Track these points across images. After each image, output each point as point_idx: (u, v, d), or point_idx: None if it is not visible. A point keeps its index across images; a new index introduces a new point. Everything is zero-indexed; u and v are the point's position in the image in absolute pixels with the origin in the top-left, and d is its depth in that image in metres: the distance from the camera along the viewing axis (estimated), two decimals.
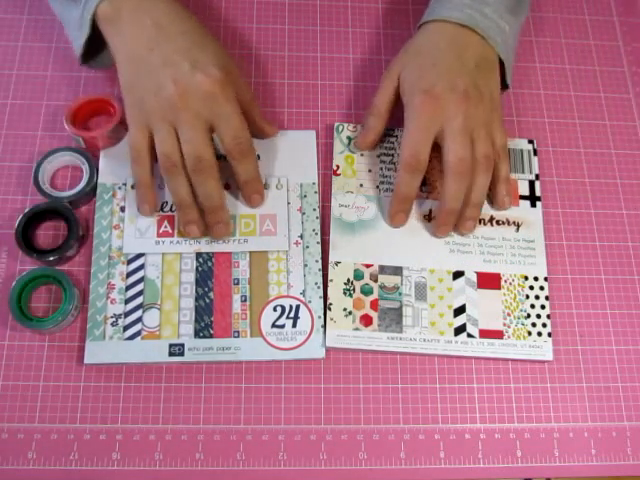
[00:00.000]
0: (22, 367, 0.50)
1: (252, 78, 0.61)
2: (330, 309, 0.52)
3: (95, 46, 0.55)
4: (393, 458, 0.50)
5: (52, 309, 0.52)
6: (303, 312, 0.52)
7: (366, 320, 0.52)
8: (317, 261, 0.54)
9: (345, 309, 0.52)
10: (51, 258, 0.51)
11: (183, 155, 0.49)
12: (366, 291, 0.53)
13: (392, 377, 0.52)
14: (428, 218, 0.56)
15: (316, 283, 0.53)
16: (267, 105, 0.60)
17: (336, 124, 0.59)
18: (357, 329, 0.52)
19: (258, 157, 0.57)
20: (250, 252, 0.54)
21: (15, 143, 0.57)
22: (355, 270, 0.54)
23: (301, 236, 0.54)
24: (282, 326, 0.51)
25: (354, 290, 0.53)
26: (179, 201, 0.51)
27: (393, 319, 0.52)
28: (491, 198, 0.56)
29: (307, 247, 0.54)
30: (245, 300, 0.52)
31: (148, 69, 0.49)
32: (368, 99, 0.61)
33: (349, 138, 0.59)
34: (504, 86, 0.58)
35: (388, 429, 0.50)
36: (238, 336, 0.51)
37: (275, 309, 0.52)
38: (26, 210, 0.52)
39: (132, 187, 0.55)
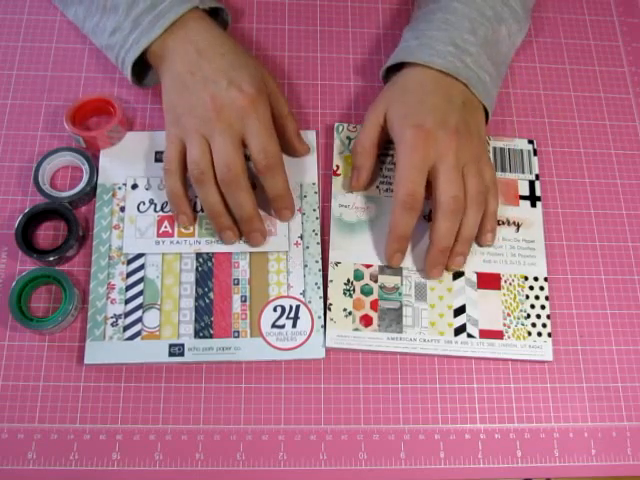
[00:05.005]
0: (22, 367, 0.50)
1: None
2: (330, 309, 0.52)
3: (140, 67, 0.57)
4: (393, 458, 0.50)
5: (52, 309, 0.52)
6: (303, 312, 0.52)
7: (366, 320, 0.52)
8: (317, 261, 0.54)
9: (345, 309, 0.52)
10: (51, 258, 0.51)
11: (214, 166, 0.50)
12: (366, 291, 0.53)
13: (392, 377, 0.52)
14: (428, 218, 0.56)
15: (316, 283, 0.53)
16: None
17: (336, 124, 0.59)
18: (357, 329, 0.52)
19: None
20: (250, 252, 0.54)
21: (15, 143, 0.57)
22: (355, 270, 0.54)
23: (301, 237, 0.54)
24: (282, 326, 0.51)
25: (354, 290, 0.53)
26: (210, 210, 0.51)
27: (393, 319, 0.52)
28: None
29: (307, 247, 0.54)
30: (245, 300, 0.52)
31: (189, 90, 0.51)
32: (368, 99, 0.61)
33: (349, 138, 0.59)
34: None
35: (388, 429, 0.50)
36: (238, 336, 0.51)
37: (275, 309, 0.52)
38: (26, 210, 0.52)
39: (132, 187, 0.55)
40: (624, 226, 0.58)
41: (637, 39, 0.67)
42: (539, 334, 0.53)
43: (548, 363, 0.53)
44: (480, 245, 0.55)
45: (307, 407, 0.51)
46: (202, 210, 0.54)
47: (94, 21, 0.56)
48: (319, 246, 0.54)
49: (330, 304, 0.52)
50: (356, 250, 0.54)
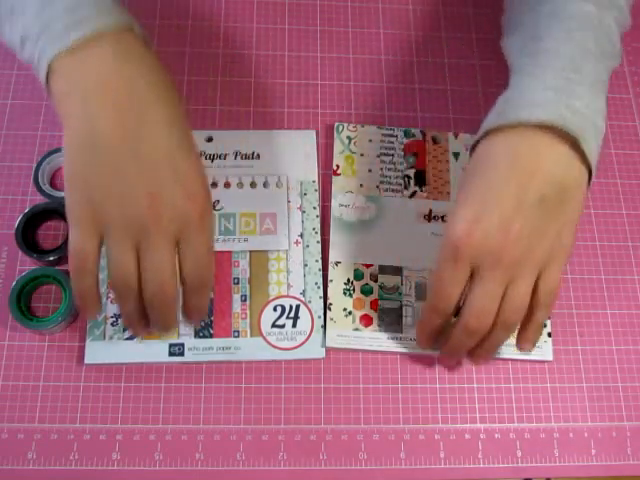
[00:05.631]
0: (22, 367, 0.50)
1: (252, 78, 0.61)
2: (330, 309, 0.52)
3: None
4: (393, 458, 0.50)
5: (52, 309, 0.52)
6: (303, 312, 0.52)
7: (366, 320, 0.52)
8: (317, 261, 0.54)
9: (345, 309, 0.52)
10: (51, 258, 0.51)
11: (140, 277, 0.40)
12: (366, 291, 0.53)
13: (392, 377, 0.52)
14: (428, 218, 0.56)
15: (316, 283, 0.53)
16: (267, 105, 0.60)
17: (336, 124, 0.59)
18: (357, 329, 0.52)
19: (258, 157, 0.57)
20: (250, 252, 0.54)
21: (15, 143, 0.57)
22: (355, 270, 0.54)
23: (301, 235, 0.54)
24: (282, 326, 0.51)
25: (354, 290, 0.53)
26: (127, 317, 0.43)
27: (393, 319, 0.52)
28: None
29: (307, 246, 0.54)
30: (245, 300, 0.52)
31: (117, 169, 0.38)
32: (368, 99, 0.61)
33: (349, 138, 0.59)
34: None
35: (388, 429, 0.50)
36: (238, 336, 0.51)
37: (275, 309, 0.52)
38: (26, 210, 0.52)
39: None
40: (624, 226, 0.58)
41: (637, 39, 0.67)
42: None
43: (548, 363, 0.53)
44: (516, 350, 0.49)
45: (307, 407, 0.51)
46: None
47: (5, 32, 0.43)
48: (319, 245, 0.54)
49: (330, 304, 0.52)
50: (356, 250, 0.54)
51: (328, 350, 0.52)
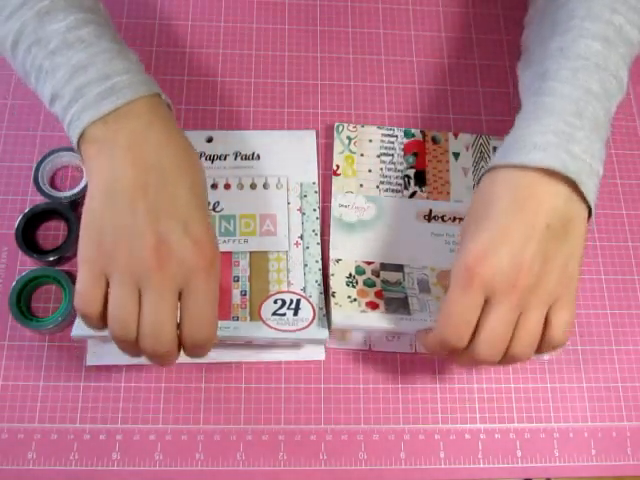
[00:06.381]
0: (22, 367, 0.50)
1: (252, 78, 0.61)
2: (334, 296, 0.51)
3: None
4: (393, 458, 0.50)
5: (52, 309, 0.52)
6: (304, 304, 0.51)
7: (372, 305, 0.51)
8: (317, 261, 0.54)
9: (349, 296, 0.51)
10: (51, 258, 0.51)
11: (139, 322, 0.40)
12: (369, 284, 0.52)
13: (392, 377, 0.52)
14: (428, 218, 0.56)
15: (316, 281, 0.53)
16: (267, 105, 0.60)
17: (336, 124, 0.59)
18: (364, 311, 0.51)
19: (258, 157, 0.57)
20: (250, 252, 0.54)
21: (15, 143, 0.57)
22: (356, 267, 0.53)
23: (301, 237, 0.54)
24: (283, 314, 0.50)
25: (357, 283, 0.52)
26: (124, 350, 0.42)
27: (400, 305, 0.51)
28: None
29: (307, 247, 0.54)
30: (245, 294, 0.52)
31: (129, 211, 0.39)
32: (368, 99, 0.61)
33: (349, 138, 0.59)
34: None
35: (388, 429, 0.50)
36: (237, 320, 0.51)
37: (275, 302, 0.51)
38: (26, 210, 0.52)
39: None
40: (624, 226, 0.58)
41: None
42: None
43: (548, 363, 0.53)
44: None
45: (307, 407, 0.51)
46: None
47: (32, 84, 0.45)
48: (319, 246, 0.54)
49: (334, 292, 0.51)
50: (357, 249, 0.54)
51: (328, 350, 0.52)
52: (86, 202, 0.41)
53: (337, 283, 0.52)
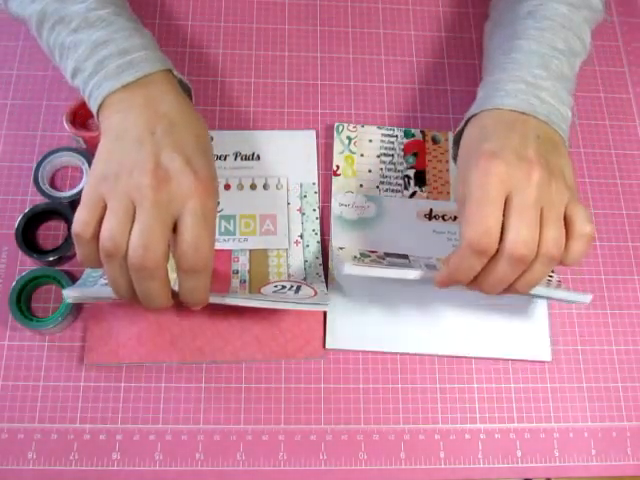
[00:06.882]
0: (22, 367, 0.50)
1: (252, 78, 0.61)
2: (339, 254, 0.50)
3: None
4: (393, 458, 0.50)
5: (52, 309, 0.52)
6: (305, 288, 0.50)
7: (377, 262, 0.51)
8: (317, 257, 0.54)
9: (355, 257, 0.50)
10: (51, 258, 0.51)
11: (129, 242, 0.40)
12: (376, 262, 0.51)
13: (392, 377, 0.52)
14: (429, 217, 0.56)
15: (317, 273, 0.53)
16: (267, 105, 0.60)
17: (336, 124, 0.59)
18: (373, 261, 0.50)
19: (258, 157, 0.57)
20: (250, 250, 0.54)
21: (15, 143, 0.57)
22: (361, 252, 0.52)
23: (301, 236, 0.54)
24: (284, 293, 0.49)
25: (362, 261, 0.50)
26: (116, 289, 0.43)
27: (406, 266, 0.50)
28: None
29: (307, 246, 0.54)
30: (244, 282, 0.52)
31: (138, 147, 0.42)
32: (368, 99, 0.61)
33: (349, 138, 0.59)
34: None
35: (388, 429, 0.50)
36: (236, 292, 0.51)
37: (276, 286, 0.50)
38: (26, 210, 0.52)
39: None
40: (624, 226, 0.58)
41: (637, 39, 0.67)
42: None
43: (548, 363, 0.53)
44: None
45: (307, 407, 0.51)
46: None
47: (55, 60, 0.49)
48: (319, 244, 0.54)
49: (340, 248, 0.50)
50: (358, 242, 0.54)
51: (328, 350, 0.52)
52: (98, 147, 0.43)
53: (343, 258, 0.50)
